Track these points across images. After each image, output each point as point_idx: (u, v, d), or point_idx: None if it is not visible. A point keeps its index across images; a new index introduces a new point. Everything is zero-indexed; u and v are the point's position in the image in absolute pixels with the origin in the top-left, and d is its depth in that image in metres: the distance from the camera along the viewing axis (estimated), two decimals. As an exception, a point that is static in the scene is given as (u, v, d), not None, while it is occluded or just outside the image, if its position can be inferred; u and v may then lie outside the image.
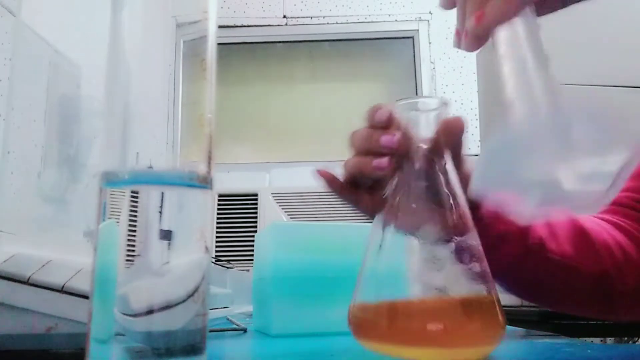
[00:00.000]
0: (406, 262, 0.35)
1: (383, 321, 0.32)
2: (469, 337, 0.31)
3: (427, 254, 0.34)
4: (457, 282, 0.33)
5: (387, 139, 0.37)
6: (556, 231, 0.47)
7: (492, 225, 0.44)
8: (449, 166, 0.36)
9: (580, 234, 0.48)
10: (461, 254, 0.34)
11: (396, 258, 0.35)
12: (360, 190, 0.42)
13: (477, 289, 0.33)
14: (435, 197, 0.35)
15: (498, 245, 0.44)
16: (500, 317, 0.32)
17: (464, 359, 0.31)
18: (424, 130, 0.36)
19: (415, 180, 0.35)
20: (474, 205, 0.40)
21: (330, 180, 0.43)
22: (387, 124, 0.38)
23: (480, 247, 0.35)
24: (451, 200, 0.35)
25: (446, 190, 0.35)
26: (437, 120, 0.37)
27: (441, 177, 0.35)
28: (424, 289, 0.33)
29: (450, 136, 0.38)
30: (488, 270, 0.34)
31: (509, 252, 0.45)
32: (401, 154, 0.37)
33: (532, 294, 0.52)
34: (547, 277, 0.47)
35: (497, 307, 0.33)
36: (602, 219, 0.51)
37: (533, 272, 0.47)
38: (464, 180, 0.37)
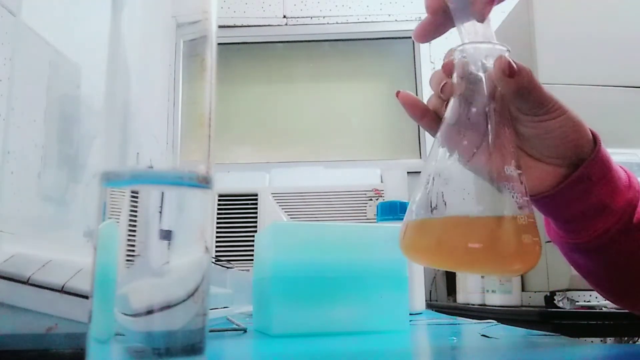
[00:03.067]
0: (453, 184, 0.37)
1: (436, 237, 0.36)
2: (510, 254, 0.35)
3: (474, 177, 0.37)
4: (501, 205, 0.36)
5: (434, 83, 0.40)
6: None
7: (596, 191, 0.40)
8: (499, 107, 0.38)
9: None
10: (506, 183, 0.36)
11: (447, 180, 0.37)
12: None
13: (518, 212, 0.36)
14: (482, 125, 0.37)
15: (595, 215, 0.40)
16: (537, 237, 0.35)
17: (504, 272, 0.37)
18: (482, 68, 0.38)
19: (469, 109, 0.38)
20: (577, 164, 0.40)
21: (410, 103, 0.41)
22: (448, 72, 0.39)
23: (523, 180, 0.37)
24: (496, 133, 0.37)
25: (493, 123, 0.37)
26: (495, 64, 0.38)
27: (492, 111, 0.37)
28: (471, 209, 0.36)
29: (504, 87, 0.37)
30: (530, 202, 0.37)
31: (605, 226, 0.40)
32: (448, 96, 0.39)
33: (610, 281, 0.46)
34: (635, 264, 0.42)
35: (534, 227, 0.35)
36: None
37: (622, 256, 0.42)
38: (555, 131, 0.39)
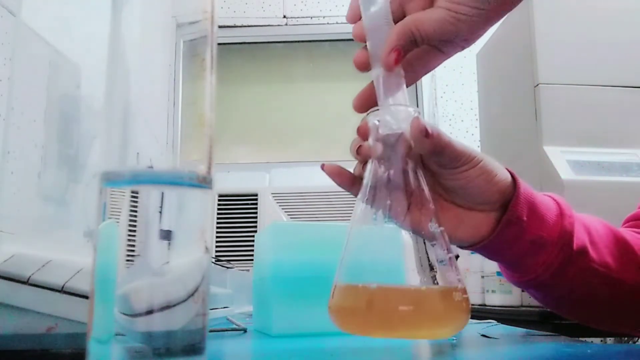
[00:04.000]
0: (379, 249, 0.38)
1: (361, 307, 0.36)
2: (432, 320, 0.35)
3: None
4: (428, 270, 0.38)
5: (352, 148, 0.41)
6: (596, 240, 0.43)
7: (529, 228, 0.41)
8: (411, 165, 0.39)
9: (622, 245, 0.44)
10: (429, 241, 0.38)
11: (369, 243, 0.38)
12: None
13: (447, 278, 0.37)
14: (403, 187, 0.38)
15: (535, 251, 0.41)
16: (463, 303, 0.36)
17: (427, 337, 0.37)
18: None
19: (387, 170, 0.39)
20: (506, 205, 0.40)
21: (337, 174, 0.42)
22: (364, 135, 0.40)
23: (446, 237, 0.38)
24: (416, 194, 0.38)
25: (412, 185, 0.38)
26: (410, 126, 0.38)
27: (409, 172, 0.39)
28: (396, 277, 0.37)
29: (418, 147, 0.38)
30: (454, 258, 0.38)
31: (548, 260, 0.41)
32: (366, 159, 0.40)
33: (570, 307, 0.47)
34: (588, 289, 0.43)
35: (461, 294, 0.36)
36: None
37: (573, 284, 0.43)
38: (478, 180, 0.39)
